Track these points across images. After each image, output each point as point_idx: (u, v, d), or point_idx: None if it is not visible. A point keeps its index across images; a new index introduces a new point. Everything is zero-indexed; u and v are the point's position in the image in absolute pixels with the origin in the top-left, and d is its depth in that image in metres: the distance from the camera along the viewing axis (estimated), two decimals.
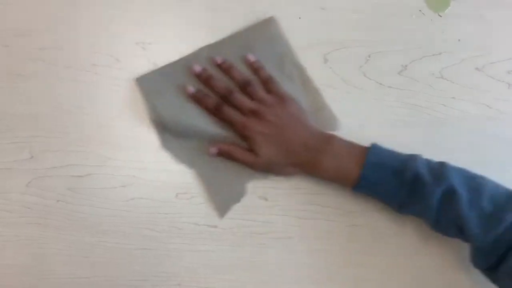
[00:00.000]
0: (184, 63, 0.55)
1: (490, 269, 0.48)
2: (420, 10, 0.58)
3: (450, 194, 0.47)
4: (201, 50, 0.56)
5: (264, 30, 0.56)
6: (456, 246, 0.54)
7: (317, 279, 0.54)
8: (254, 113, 0.52)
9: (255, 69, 0.55)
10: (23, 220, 0.54)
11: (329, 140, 0.52)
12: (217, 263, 0.54)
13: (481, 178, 0.49)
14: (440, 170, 0.49)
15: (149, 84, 0.55)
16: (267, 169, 0.54)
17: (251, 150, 0.53)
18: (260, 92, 0.54)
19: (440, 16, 0.58)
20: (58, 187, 0.54)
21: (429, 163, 0.50)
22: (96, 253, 0.54)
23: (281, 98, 0.53)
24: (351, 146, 0.52)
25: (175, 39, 0.57)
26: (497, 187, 0.49)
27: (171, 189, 0.55)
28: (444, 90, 0.57)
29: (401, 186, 0.49)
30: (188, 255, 0.54)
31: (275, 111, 0.52)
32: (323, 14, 0.58)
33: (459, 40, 0.58)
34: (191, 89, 0.54)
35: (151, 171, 0.55)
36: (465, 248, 0.51)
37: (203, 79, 0.55)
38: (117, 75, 0.56)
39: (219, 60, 0.55)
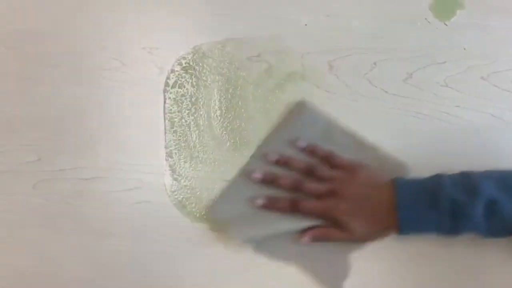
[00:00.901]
0: (243, 177, 0.55)
1: None
2: (425, 19, 0.58)
3: (490, 205, 0.47)
4: (252, 157, 0.55)
5: (301, 113, 0.56)
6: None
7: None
8: (330, 195, 0.51)
9: (310, 151, 0.54)
10: (29, 222, 0.55)
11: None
12: (222, 267, 0.55)
13: (510, 174, 0.49)
14: (469, 184, 0.48)
15: (223, 212, 0.54)
16: (366, 240, 0.52)
17: (342, 229, 0.51)
18: (327, 171, 0.53)
19: (446, 25, 0.58)
20: (64, 190, 0.55)
21: (455, 181, 0.49)
22: (101, 256, 0.55)
23: (349, 168, 0.53)
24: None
25: (182, 44, 0.57)
26: None
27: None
28: (449, 98, 0.57)
29: (441, 217, 0.48)
30: (193, 259, 0.55)
31: (349, 183, 0.51)
32: (329, 21, 0.58)
33: (464, 48, 0.58)
34: (259, 201, 0.53)
35: (157, 175, 0.56)
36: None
37: (268, 182, 0.54)
38: (124, 79, 0.57)
39: (274, 157, 0.54)
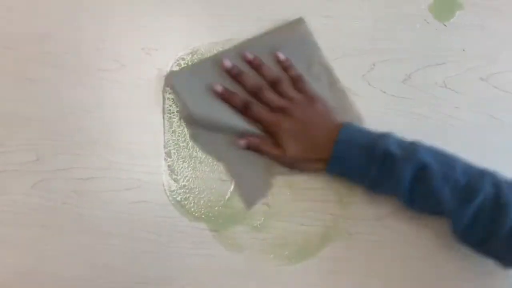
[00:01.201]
0: (214, 61, 0.56)
1: (479, 243, 0.49)
2: (425, 20, 0.58)
3: (421, 170, 0.48)
4: (231, 48, 0.56)
5: (293, 30, 0.57)
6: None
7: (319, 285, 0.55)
8: (282, 110, 0.53)
9: (285, 67, 0.56)
10: (27, 221, 0.55)
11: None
12: (219, 267, 0.55)
13: (452, 155, 0.50)
14: (410, 147, 0.49)
15: (180, 81, 0.55)
16: (294, 164, 0.54)
17: (278, 145, 0.53)
18: (290, 90, 0.54)
19: (445, 26, 0.58)
20: (63, 190, 0.55)
21: (400, 141, 0.50)
22: (99, 256, 0.55)
23: (310, 97, 0.54)
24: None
25: (180, 45, 0.57)
26: (468, 163, 0.50)
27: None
28: (448, 99, 0.57)
29: (371, 163, 0.49)
30: (190, 259, 0.55)
31: (303, 109, 0.53)
32: (328, 22, 0.58)
33: (463, 50, 0.58)
34: (219, 88, 0.54)
35: (155, 175, 0.56)
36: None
37: (233, 74, 0.55)
38: (123, 79, 0.57)
39: (250, 56, 0.55)
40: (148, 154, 0.56)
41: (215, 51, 0.57)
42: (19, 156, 0.56)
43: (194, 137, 0.56)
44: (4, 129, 0.56)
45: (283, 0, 0.58)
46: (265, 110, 0.54)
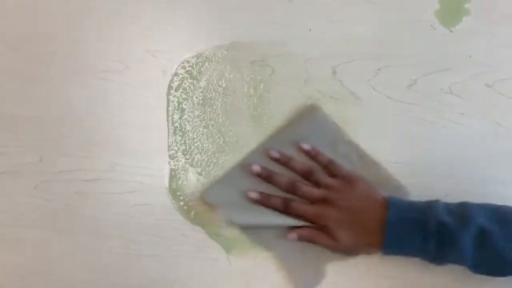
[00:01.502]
0: (241, 168, 0.55)
1: None
2: (431, 25, 0.58)
3: (480, 235, 0.46)
4: (254, 150, 0.56)
5: (311, 117, 0.56)
6: None
7: None
8: (323, 201, 0.51)
9: (312, 156, 0.54)
10: (29, 222, 0.55)
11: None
12: (221, 271, 0.54)
13: (505, 207, 0.48)
14: (462, 211, 0.47)
15: (215, 197, 0.54)
16: (348, 252, 0.52)
17: (329, 235, 0.51)
18: (325, 178, 0.53)
19: (451, 32, 0.58)
20: (65, 191, 0.55)
21: (448, 207, 0.48)
22: (101, 258, 0.54)
23: (347, 179, 0.52)
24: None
25: (185, 48, 0.57)
26: None
27: None
28: (453, 105, 0.57)
29: (428, 239, 0.47)
30: (193, 263, 0.55)
31: (345, 194, 0.51)
32: (333, 27, 0.58)
33: (470, 56, 0.58)
34: (254, 194, 0.53)
35: (158, 178, 0.56)
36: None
37: (265, 177, 0.54)
38: (127, 81, 0.57)
39: (276, 154, 0.54)
40: (151, 157, 0.56)
41: (220, 55, 0.57)
42: (22, 156, 0.56)
43: (244, 231, 0.54)
44: (7, 129, 0.56)
45: (288, 5, 0.58)
46: (306, 205, 0.52)
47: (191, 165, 0.56)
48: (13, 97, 0.56)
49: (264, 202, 0.53)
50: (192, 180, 0.56)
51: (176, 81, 0.57)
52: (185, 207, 0.55)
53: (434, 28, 0.58)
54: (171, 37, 0.58)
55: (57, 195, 0.55)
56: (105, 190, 0.55)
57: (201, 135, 0.56)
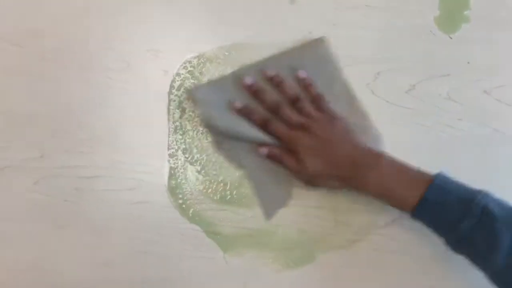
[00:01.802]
0: (235, 77, 0.56)
1: None
2: (430, 31, 0.59)
3: None
4: (252, 64, 0.57)
5: (315, 49, 0.57)
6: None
7: None
8: (301, 127, 0.53)
9: (305, 85, 0.56)
10: (29, 218, 0.55)
11: (379, 158, 0.51)
12: (219, 270, 0.55)
13: None
14: (508, 206, 0.46)
15: (202, 95, 0.55)
16: (311, 180, 0.54)
17: (298, 161, 0.53)
18: (309, 108, 0.54)
19: (451, 38, 0.59)
20: (65, 187, 0.55)
21: (501, 201, 0.47)
22: (99, 255, 0.55)
23: (330, 116, 0.54)
24: (406, 168, 0.51)
25: (186, 48, 0.58)
26: None
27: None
28: (451, 111, 0.58)
29: (466, 217, 0.46)
30: (191, 261, 0.55)
31: (323, 126, 0.53)
32: (334, 30, 0.58)
33: (468, 62, 0.58)
34: (238, 104, 0.55)
35: (158, 176, 0.56)
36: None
37: (253, 91, 0.55)
38: (128, 80, 0.57)
39: (271, 73, 0.56)
40: (151, 155, 0.56)
41: (221, 56, 0.58)
42: (22, 152, 0.56)
43: (217, 144, 0.56)
44: (8, 125, 0.56)
45: (291, 7, 0.58)
46: (284, 127, 0.53)
47: (191, 164, 0.56)
48: (15, 93, 0.57)
49: (246, 113, 0.54)
50: (191, 179, 0.56)
51: (177, 81, 0.57)
52: (184, 206, 0.56)
53: (434, 34, 0.59)
54: (173, 37, 0.58)
55: (57, 191, 0.55)
56: (104, 187, 0.56)
57: (201, 135, 0.57)
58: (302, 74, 0.56)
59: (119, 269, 0.55)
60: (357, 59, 0.58)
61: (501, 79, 0.58)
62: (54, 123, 0.56)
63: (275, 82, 0.56)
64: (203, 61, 0.58)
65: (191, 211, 0.56)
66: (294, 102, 0.55)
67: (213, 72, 0.57)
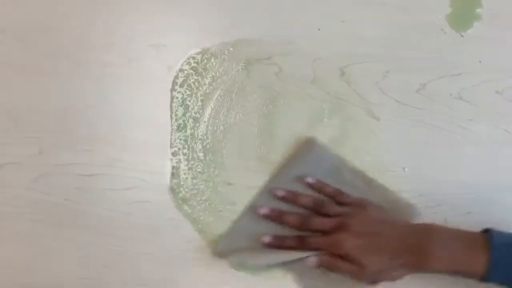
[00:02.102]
0: (251, 212, 0.54)
1: None
2: (442, 29, 0.57)
3: None
4: (258, 193, 0.55)
5: (310, 150, 0.55)
6: None
7: None
8: (338, 230, 0.50)
9: (319, 188, 0.54)
10: (27, 215, 0.54)
11: (431, 229, 0.49)
12: (219, 271, 0.54)
13: None
14: None
15: (229, 247, 0.53)
16: (376, 277, 0.50)
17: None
18: (335, 207, 0.52)
19: (462, 36, 0.57)
20: (64, 185, 0.54)
21: None
22: (97, 254, 0.54)
23: (358, 205, 0.52)
24: (460, 231, 0.49)
25: (190, 44, 0.56)
26: None
27: None
28: (462, 111, 0.56)
29: None
30: (190, 262, 0.54)
31: (359, 219, 0.50)
32: (343, 27, 0.57)
33: (480, 61, 0.57)
34: (267, 239, 0.52)
35: (157, 175, 0.55)
36: None
37: (275, 218, 0.53)
38: (130, 76, 0.56)
39: (281, 193, 0.54)
40: (153, 153, 0.55)
41: (226, 52, 0.56)
42: (21, 148, 0.55)
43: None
44: (7, 120, 0.55)
45: (298, 2, 0.57)
46: (320, 237, 0.51)
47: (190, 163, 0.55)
48: (15, 88, 0.55)
49: (278, 244, 0.52)
50: (193, 179, 0.55)
51: (181, 77, 0.56)
52: (185, 206, 0.54)
53: (445, 32, 0.57)
54: (177, 32, 0.57)
55: (55, 189, 0.54)
56: (103, 185, 0.54)
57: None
58: (310, 179, 0.54)
59: (117, 270, 0.54)
60: (366, 56, 0.57)
61: None
62: (53, 119, 0.55)
63: (290, 200, 0.54)
64: (207, 56, 0.56)
65: (192, 211, 0.54)
66: (317, 209, 0.53)
67: (217, 68, 0.56)
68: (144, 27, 0.56)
